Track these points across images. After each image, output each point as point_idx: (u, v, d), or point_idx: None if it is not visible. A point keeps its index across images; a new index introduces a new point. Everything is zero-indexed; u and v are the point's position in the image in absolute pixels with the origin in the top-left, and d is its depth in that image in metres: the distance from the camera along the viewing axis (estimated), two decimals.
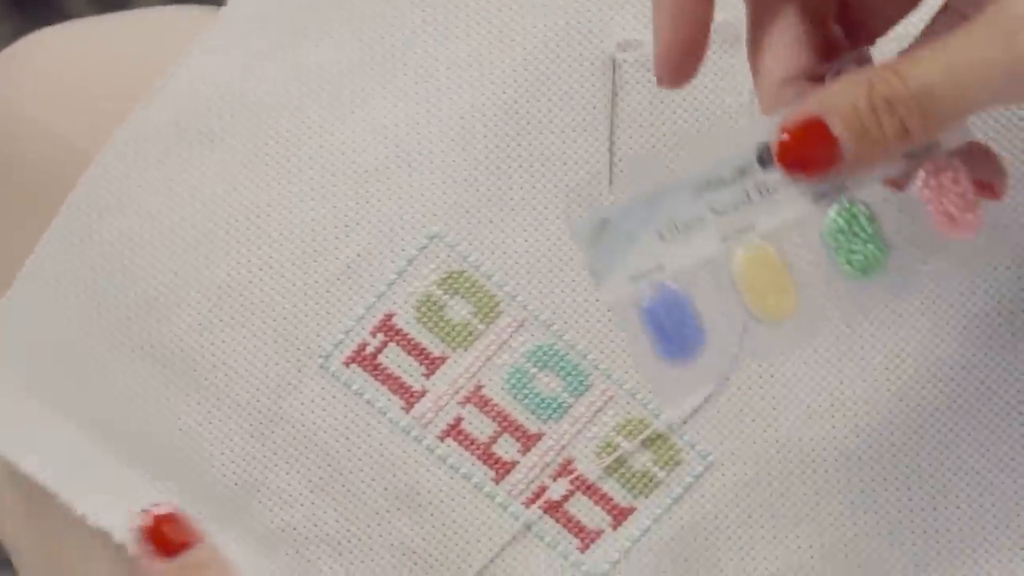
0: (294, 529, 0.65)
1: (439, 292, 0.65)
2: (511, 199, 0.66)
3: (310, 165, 0.66)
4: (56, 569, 0.69)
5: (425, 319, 0.65)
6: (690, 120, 0.65)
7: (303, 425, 0.65)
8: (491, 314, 0.65)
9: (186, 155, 0.67)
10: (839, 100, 0.52)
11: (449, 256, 0.65)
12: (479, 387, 0.64)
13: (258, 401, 0.65)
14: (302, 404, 0.65)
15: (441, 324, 0.65)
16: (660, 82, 0.56)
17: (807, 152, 0.52)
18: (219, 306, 0.66)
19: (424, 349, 0.65)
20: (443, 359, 0.65)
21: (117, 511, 0.65)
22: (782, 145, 0.53)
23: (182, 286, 0.66)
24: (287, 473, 0.65)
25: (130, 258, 0.66)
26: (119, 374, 0.66)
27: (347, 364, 0.65)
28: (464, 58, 0.66)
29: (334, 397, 0.65)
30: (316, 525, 0.65)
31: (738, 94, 0.65)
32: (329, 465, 0.65)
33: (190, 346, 0.66)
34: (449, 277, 0.65)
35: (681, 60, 0.55)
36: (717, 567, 0.63)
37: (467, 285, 0.65)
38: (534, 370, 0.64)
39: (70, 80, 0.70)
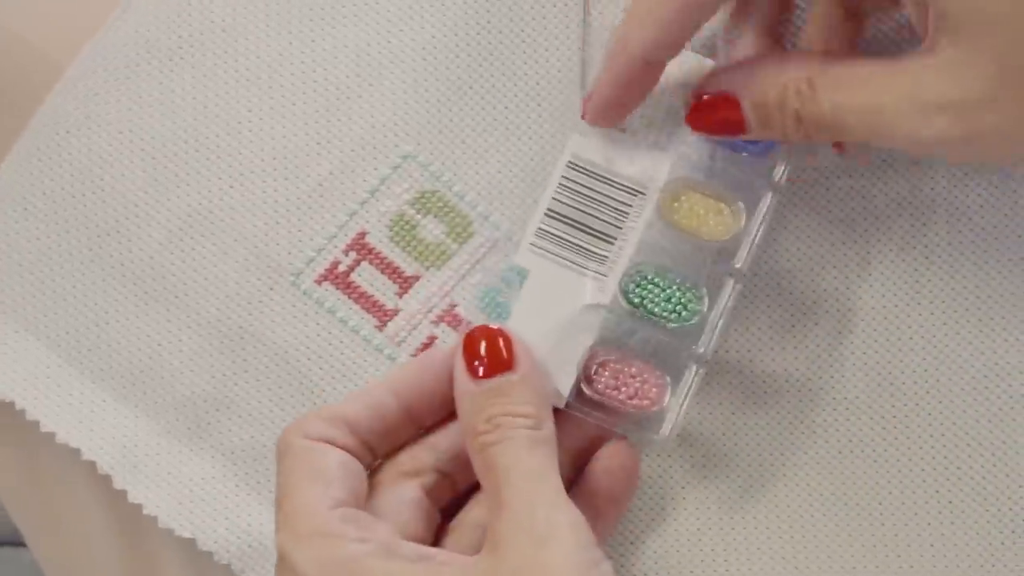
0: (263, 446, 0.65)
1: (412, 211, 0.65)
2: (483, 119, 0.66)
3: (280, 83, 0.66)
4: (35, 489, 0.69)
5: (398, 238, 0.65)
6: None
7: (273, 342, 0.65)
8: (464, 234, 0.65)
9: (155, 72, 0.66)
10: (754, 88, 0.57)
11: (422, 176, 0.65)
12: (452, 306, 0.65)
13: (228, 318, 0.65)
14: (272, 321, 0.65)
15: (414, 243, 0.65)
16: (582, 116, 0.61)
17: (716, 117, 0.58)
18: (189, 223, 0.66)
19: (397, 268, 0.65)
20: (416, 278, 0.65)
21: (85, 429, 0.65)
22: (694, 107, 0.59)
23: (152, 203, 0.66)
24: (256, 390, 0.65)
25: (99, 175, 0.66)
26: (87, 291, 0.66)
27: (319, 282, 0.65)
28: None
29: (305, 315, 0.65)
30: None
31: None
32: (300, 383, 0.65)
33: (160, 263, 0.66)
34: (422, 196, 0.65)
35: (612, 115, 0.60)
36: None
37: (440, 205, 0.65)
38: (507, 289, 0.64)
39: None
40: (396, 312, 0.65)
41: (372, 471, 0.60)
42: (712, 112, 0.59)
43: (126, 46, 0.66)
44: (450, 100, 0.66)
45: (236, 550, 0.64)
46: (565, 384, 0.60)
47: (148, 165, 0.66)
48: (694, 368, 0.61)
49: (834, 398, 0.64)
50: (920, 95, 0.53)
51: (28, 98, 0.67)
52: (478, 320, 0.63)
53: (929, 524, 0.64)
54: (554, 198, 0.62)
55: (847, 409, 0.64)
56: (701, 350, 0.61)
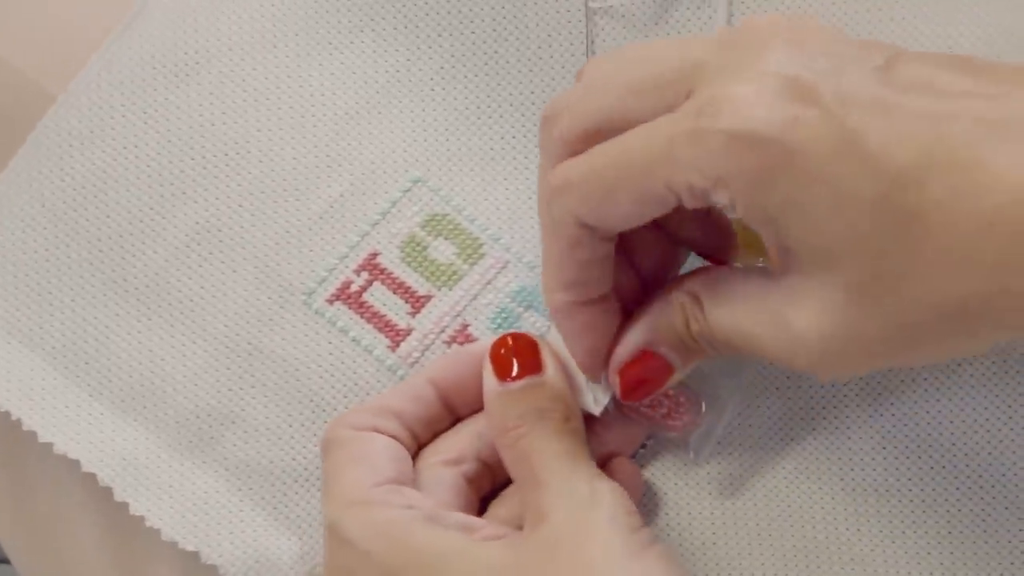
0: (270, 461, 0.65)
1: (423, 233, 0.66)
2: (491, 148, 0.67)
3: (289, 103, 0.66)
4: (25, 504, 0.67)
5: (410, 258, 0.65)
6: None
7: (283, 359, 0.65)
8: (475, 255, 0.66)
9: (161, 88, 0.66)
10: (665, 333, 0.58)
11: (432, 199, 0.66)
12: (465, 326, 0.65)
13: (236, 334, 0.65)
14: (283, 339, 0.65)
15: (426, 264, 0.65)
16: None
17: (644, 377, 0.59)
18: (196, 240, 0.65)
19: (409, 288, 0.65)
20: (428, 298, 0.65)
21: (84, 441, 0.64)
22: (624, 381, 0.59)
23: (158, 220, 0.65)
24: (263, 405, 0.65)
25: (102, 189, 0.65)
26: (87, 305, 0.65)
27: (331, 302, 0.65)
28: (444, 4, 0.67)
29: (317, 334, 0.65)
30: (294, 459, 0.65)
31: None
32: (310, 399, 0.65)
33: (165, 279, 0.65)
34: (432, 219, 0.66)
35: (600, 365, 0.60)
36: None
37: (450, 227, 0.66)
38: (519, 310, 0.65)
39: (40, 21, 0.68)
40: (409, 332, 0.65)
41: (414, 458, 0.61)
42: (641, 376, 0.60)
43: (132, 61, 0.66)
44: (458, 129, 0.67)
45: (241, 564, 0.64)
46: (602, 397, 0.61)
47: (153, 181, 0.65)
48: (731, 393, 0.62)
49: (860, 426, 0.65)
50: (784, 326, 0.54)
51: (20, 126, 0.66)
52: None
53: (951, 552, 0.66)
54: None
55: (873, 439, 0.65)
56: (741, 376, 0.62)
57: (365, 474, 0.58)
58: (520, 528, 0.58)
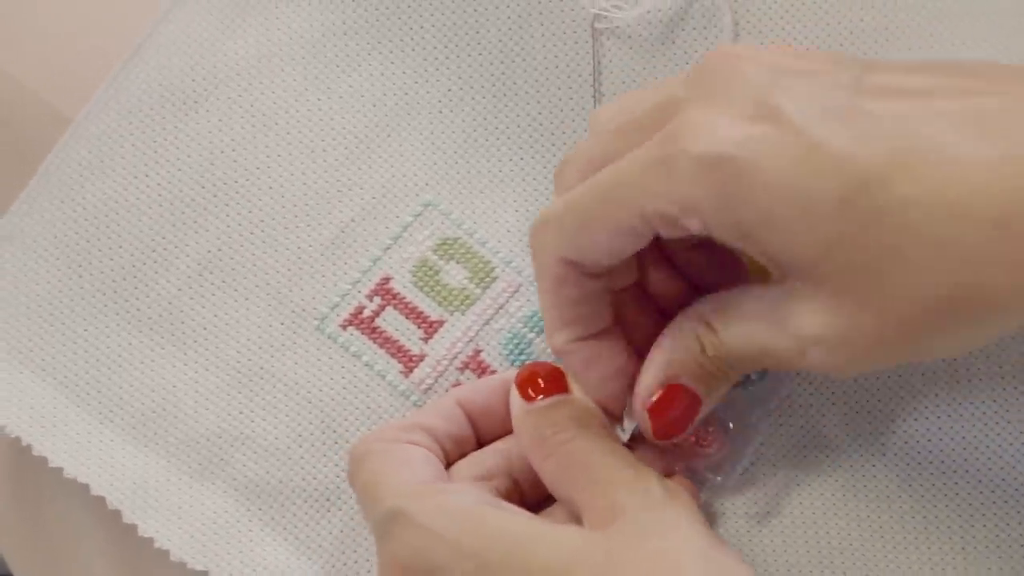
0: (279, 481, 0.65)
1: (435, 257, 0.66)
2: (502, 170, 0.67)
3: (298, 129, 0.66)
4: (35, 527, 0.67)
5: (422, 283, 0.65)
6: None
7: (295, 383, 0.65)
8: (487, 279, 0.66)
9: (170, 116, 0.66)
10: (684, 363, 0.58)
11: (443, 223, 0.66)
12: (477, 352, 0.65)
13: (248, 360, 0.65)
14: (295, 364, 0.65)
15: (438, 288, 0.66)
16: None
17: (674, 414, 0.59)
18: (208, 268, 0.65)
19: (422, 313, 0.65)
20: (441, 323, 0.65)
21: (94, 465, 0.64)
22: (655, 420, 0.59)
23: (169, 250, 0.65)
24: (274, 426, 0.65)
25: (115, 220, 0.65)
26: (99, 334, 0.65)
27: (344, 327, 0.65)
28: (451, 27, 0.67)
29: (331, 359, 0.65)
30: (304, 479, 0.65)
31: None
32: (322, 421, 0.65)
33: (177, 308, 0.65)
34: (444, 243, 0.66)
35: (620, 402, 0.60)
36: None
37: (462, 251, 0.66)
38: (531, 335, 0.65)
39: (53, 40, 0.68)
40: (422, 357, 0.65)
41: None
42: (672, 411, 0.59)
43: (140, 90, 0.66)
44: (467, 152, 0.67)
45: None
46: (629, 425, 0.62)
47: (164, 210, 0.65)
48: (759, 419, 0.63)
49: (889, 448, 0.65)
50: (789, 330, 0.54)
51: (31, 145, 0.66)
52: (502, 367, 0.64)
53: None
54: None
55: (899, 458, 0.66)
56: (769, 403, 0.62)
57: (411, 475, 0.58)
58: None
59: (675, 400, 0.58)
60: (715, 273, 0.60)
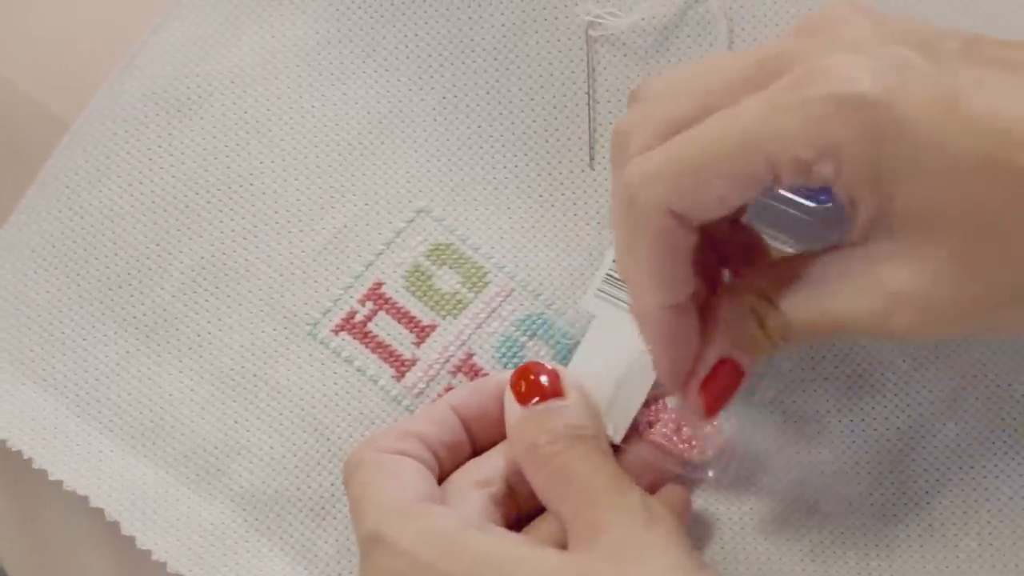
0: (275, 491, 0.65)
1: (427, 263, 0.66)
2: (495, 176, 0.67)
3: (292, 135, 0.66)
4: (34, 538, 0.67)
5: (414, 288, 0.66)
6: None
7: (288, 390, 0.65)
8: (479, 284, 0.66)
9: (164, 123, 0.66)
10: (739, 338, 0.57)
11: (436, 229, 0.66)
12: (470, 355, 0.65)
13: (242, 367, 0.65)
14: (288, 370, 0.65)
15: (430, 293, 0.66)
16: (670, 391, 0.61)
17: (724, 390, 0.58)
18: (202, 275, 0.66)
19: (414, 317, 0.65)
20: (433, 327, 0.65)
21: (92, 476, 0.64)
22: (708, 396, 0.58)
23: (165, 256, 0.66)
24: (268, 435, 0.65)
25: (112, 228, 0.66)
26: (97, 343, 0.65)
27: (336, 332, 0.65)
28: (445, 35, 0.67)
29: (323, 364, 0.65)
30: (299, 489, 0.65)
31: None
32: (315, 429, 0.65)
33: (172, 315, 0.65)
34: (436, 249, 0.66)
35: (683, 377, 0.59)
36: None
37: (455, 256, 0.66)
38: (524, 339, 0.65)
39: (49, 44, 0.68)
40: (414, 362, 0.65)
41: (439, 483, 0.61)
42: (723, 386, 0.59)
43: (135, 98, 0.66)
44: (461, 159, 0.67)
45: None
46: (622, 425, 0.61)
47: (159, 217, 0.66)
48: (747, 411, 0.62)
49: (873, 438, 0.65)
50: (878, 290, 0.53)
51: (28, 150, 0.67)
52: (495, 370, 0.64)
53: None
54: None
55: (889, 452, 0.65)
56: (755, 397, 0.62)
57: (398, 491, 0.58)
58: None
59: (725, 376, 0.58)
60: (734, 253, 0.60)
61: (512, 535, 0.58)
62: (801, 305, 0.55)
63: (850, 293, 0.54)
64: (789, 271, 0.56)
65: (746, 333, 0.57)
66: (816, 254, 0.55)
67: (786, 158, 0.51)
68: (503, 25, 0.67)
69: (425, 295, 0.65)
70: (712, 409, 0.58)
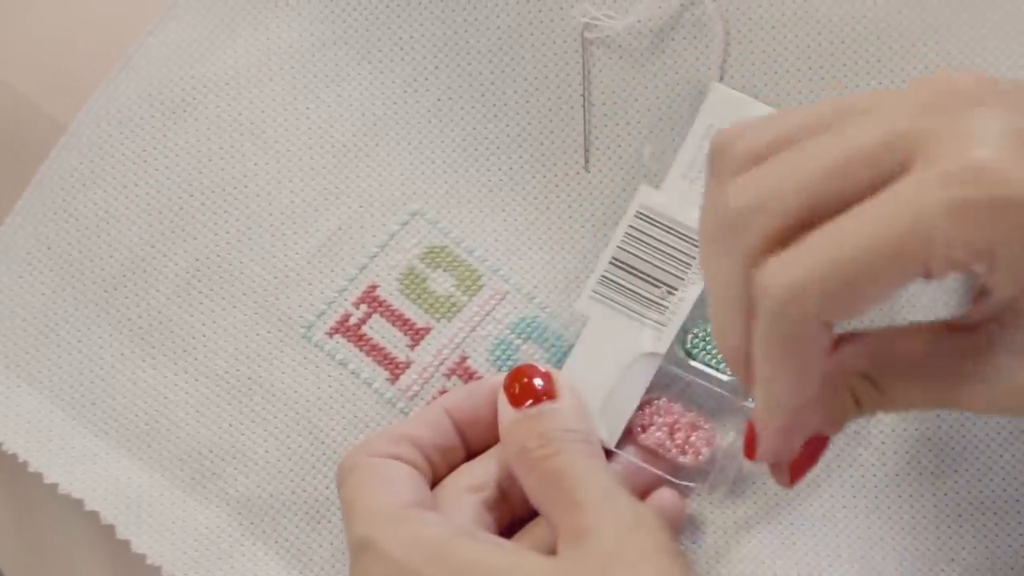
0: (270, 495, 0.65)
1: (421, 265, 0.66)
2: (489, 179, 0.67)
3: (286, 138, 0.66)
4: (30, 541, 0.67)
5: (408, 291, 0.66)
6: (662, 97, 0.67)
7: (283, 392, 0.65)
8: (473, 286, 0.66)
9: (159, 125, 0.66)
10: (833, 416, 0.57)
11: (431, 232, 0.66)
12: (464, 358, 0.65)
13: (236, 370, 0.65)
14: (283, 373, 0.65)
15: (424, 296, 0.66)
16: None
17: (811, 460, 0.59)
18: (196, 277, 0.66)
19: (408, 320, 0.65)
20: (427, 330, 0.65)
21: (88, 480, 0.64)
22: (795, 471, 0.59)
23: (159, 257, 0.66)
24: (263, 439, 0.65)
25: (106, 230, 0.66)
26: (92, 345, 0.65)
27: (330, 334, 0.65)
28: (440, 37, 0.67)
29: (317, 367, 0.65)
30: (293, 492, 0.65)
31: (707, 68, 0.67)
32: (310, 432, 0.65)
33: (167, 317, 0.65)
34: (431, 251, 0.66)
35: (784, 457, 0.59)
36: None
37: (449, 259, 0.66)
38: (518, 341, 0.65)
39: (45, 46, 0.68)
40: (408, 364, 0.65)
41: (433, 487, 0.61)
42: (810, 460, 0.59)
43: (130, 100, 0.66)
44: (456, 162, 0.67)
45: None
46: (616, 429, 0.61)
47: (154, 219, 0.66)
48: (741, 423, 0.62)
49: (882, 442, 0.65)
50: (1006, 379, 0.53)
51: (26, 151, 0.67)
52: (489, 373, 0.64)
53: None
54: (619, 247, 0.63)
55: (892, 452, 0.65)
56: (749, 402, 0.62)
57: (389, 497, 0.59)
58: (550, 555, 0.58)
59: (813, 448, 0.59)
60: None
61: (501, 542, 0.59)
62: (912, 390, 0.55)
63: (974, 384, 0.54)
64: (889, 349, 0.55)
65: (841, 411, 0.57)
66: (914, 336, 0.55)
67: (944, 260, 0.49)
68: (498, 27, 0.67)
69: (419, 298, 0.65)
70: (797, 480, 0.59)
